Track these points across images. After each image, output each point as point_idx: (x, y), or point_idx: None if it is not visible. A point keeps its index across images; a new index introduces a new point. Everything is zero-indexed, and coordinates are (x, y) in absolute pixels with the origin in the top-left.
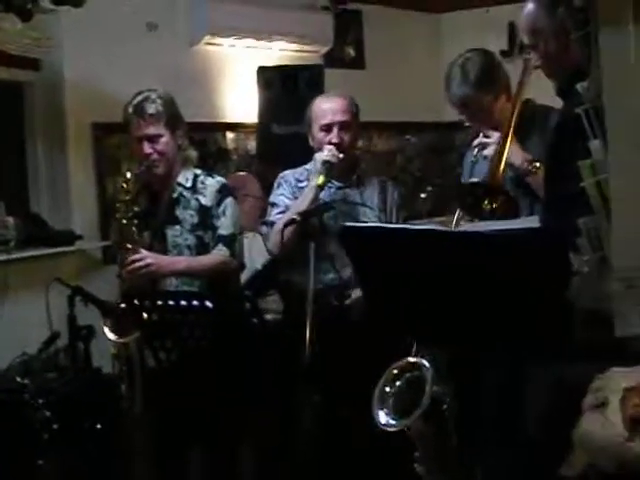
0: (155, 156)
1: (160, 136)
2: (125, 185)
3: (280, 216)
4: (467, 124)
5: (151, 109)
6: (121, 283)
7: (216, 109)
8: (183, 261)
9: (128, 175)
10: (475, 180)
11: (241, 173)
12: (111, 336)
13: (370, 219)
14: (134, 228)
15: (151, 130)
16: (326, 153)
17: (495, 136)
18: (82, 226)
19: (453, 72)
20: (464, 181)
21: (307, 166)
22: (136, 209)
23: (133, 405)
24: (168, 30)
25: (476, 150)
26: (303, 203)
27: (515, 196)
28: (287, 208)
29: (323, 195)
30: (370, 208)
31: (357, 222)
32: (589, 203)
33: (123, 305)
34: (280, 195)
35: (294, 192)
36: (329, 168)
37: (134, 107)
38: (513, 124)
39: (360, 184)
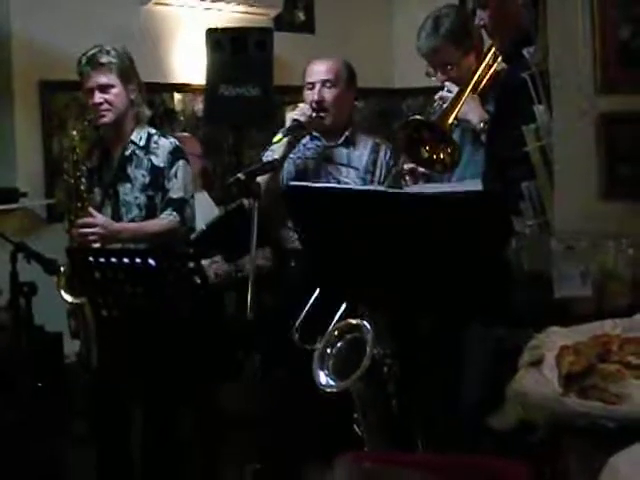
0: (105, 105)
1: (111, 86)
2: (73, 142)
3: None
4: (433, 77)
5: (103, 59)
6: (69, 239)
7: (164, 70)
8: (131, 230)
9: (74, 133)
10: (422, 117)
11: (183, 133)
12: (67, 297)
13: (352, 179)
14: (82, 187)
15: (102, 79)
16: (296, 111)
17: (457, 90)
18: (27, 184)
19: (425, 23)
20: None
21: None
22: (87, 166)
23: (88, 360)
24: None
25: (436, 103)
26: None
27: (469, 151)
28: None
29: (308, 153)
30: (355, 169)
31: (338, 182)
32: (531, 167)
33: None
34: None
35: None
36: (298, 126)
37: (87, 58)
38: (474, 81)
39: (350, 144)
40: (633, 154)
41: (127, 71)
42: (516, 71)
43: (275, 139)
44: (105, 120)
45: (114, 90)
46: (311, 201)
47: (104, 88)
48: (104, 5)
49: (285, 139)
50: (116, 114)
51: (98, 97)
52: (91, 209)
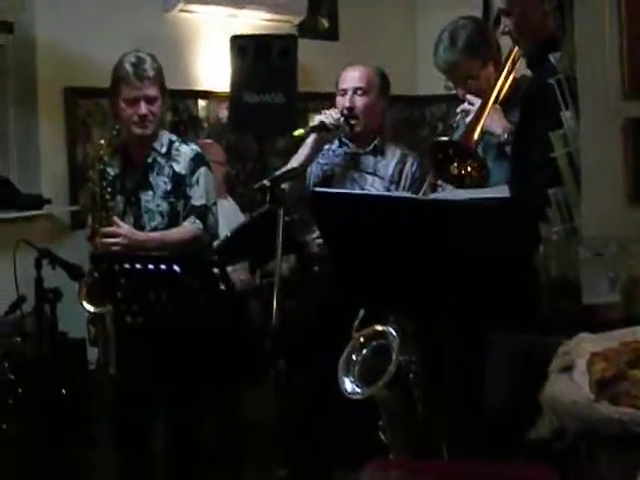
0: (150, 117)
1: (156, 99)
2: (100, 152)
3: None
4: (453, 91)
5: (152, 71)
6: (91, 247)
7: (188, 76)
8: (155, 240)
9: (102, 142)
10: (446, 138)
11: (207, 140)
12: (89, 307)
13: (377, 188)
14: (107, 196)
15: (151, 92)
16: (324, 114)
17: (479, 103)
18: (51, 190)
19: (442, 37)
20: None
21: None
22: (111, 173)
23: (107, 368)
24: None
25: (458, 117)
26: (297, 158)
27: (492, 163)
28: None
29: (336, 160)
30: (381, 178)
31: (363, 190)
32: (556, 173)
33: (96, 274)
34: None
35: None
36: (322, 127)
37: (133, 67)
38: (496, 92)
39: (378, 153)
40: None
41: (164, 83)
42: (542, 77)
43: (296, 133)
44: (148, 131)
45: (158, 102)
46: (337, 207)
47: (151, 100)
48: (129, 12)
49: (310, 139)
50: (156, 125)
51: (145, 108)
52: (115, 218)
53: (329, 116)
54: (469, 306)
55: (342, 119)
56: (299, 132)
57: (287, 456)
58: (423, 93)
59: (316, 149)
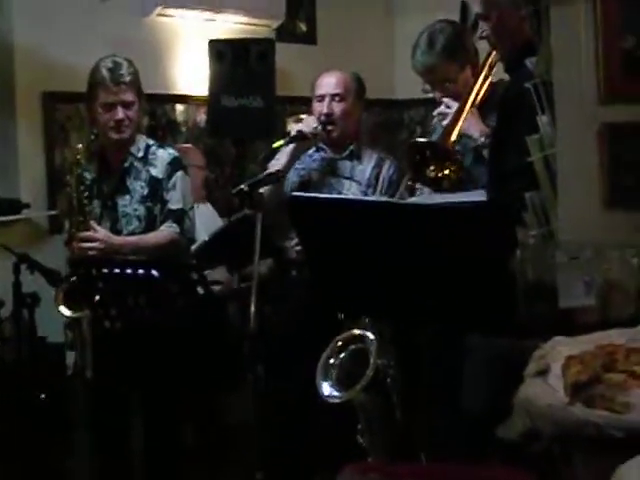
0: (126, 122)
1: (133, 103)
2: (78, 157)
3: None
4: (430, 94)
5: (128, 76)
6: (69, 252)
7: (166, 81)
8: (132, 244)
9: (79, 146)
10: (424, 139)
11: (186, 145)
12: (66, 312)
13: (354, 193)
14: (84, 200)
15: (128, 97)
16: (302, 124)
17: (456, 107)
18: (29, 195)
19: (420, 40)
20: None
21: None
22: (88, 178)
23: (84, 372)
24: (120, 0)
25: (435, 119)
26: (275, 165)
27: (470, 166)
28: None
29: (313, 165)
30: (357, 183)
31: (340, 195)
32: (532, 177)
33: (73, 278)
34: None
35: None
36: (300, 137)
37: (109, 72)
38: (473, 96)
39: (355, 157)
40: (637, 164)
41: (140, 87)
42: (518, 81)
43: (275, 144)
44: (125, 136)
45: (135, 107)
46: (315, 211)
47: (127, 105)
48: (107, 17)
49: (288, 147)
50: (133, 130)
51: (121, 113)
52: (93, 223)
53: (307, 125)
54: (446, 310)
55: (320, 126)
56: (278, 143)
57: (265, 459)
58: (401, 97)
59: (294, 157)
